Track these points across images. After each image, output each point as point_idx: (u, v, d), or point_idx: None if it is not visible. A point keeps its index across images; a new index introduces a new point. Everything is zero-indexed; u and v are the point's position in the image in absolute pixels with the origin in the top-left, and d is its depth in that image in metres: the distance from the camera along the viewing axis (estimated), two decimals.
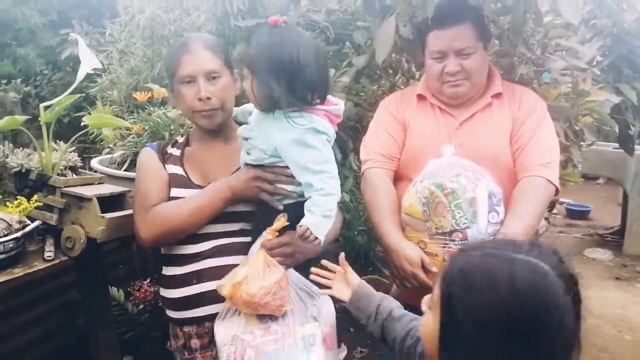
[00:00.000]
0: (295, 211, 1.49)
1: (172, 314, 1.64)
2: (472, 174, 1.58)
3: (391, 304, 1.35)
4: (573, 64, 2.07)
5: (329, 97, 1.51)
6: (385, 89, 2.73)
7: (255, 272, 1.45)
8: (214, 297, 1.53)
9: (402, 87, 2.51)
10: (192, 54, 1.56)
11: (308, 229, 1.41)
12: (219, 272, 1.53)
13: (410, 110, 1.84)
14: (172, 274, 1.61)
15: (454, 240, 1.56)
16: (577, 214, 6.27)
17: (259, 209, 1.57)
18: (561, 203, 6.23)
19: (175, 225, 1.53)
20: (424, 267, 1.60)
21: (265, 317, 1.48)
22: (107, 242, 1.69)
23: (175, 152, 1.66)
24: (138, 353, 2.38)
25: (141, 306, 2.40)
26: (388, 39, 1.86)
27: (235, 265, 1.50)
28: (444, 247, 1.58)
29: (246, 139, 1.53)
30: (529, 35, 2.09)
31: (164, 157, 1.64)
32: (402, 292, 1.74)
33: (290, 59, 1.39)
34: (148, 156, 1.64)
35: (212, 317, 1.55)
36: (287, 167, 1.50)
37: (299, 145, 1.44)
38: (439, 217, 1.56)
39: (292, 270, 1.53)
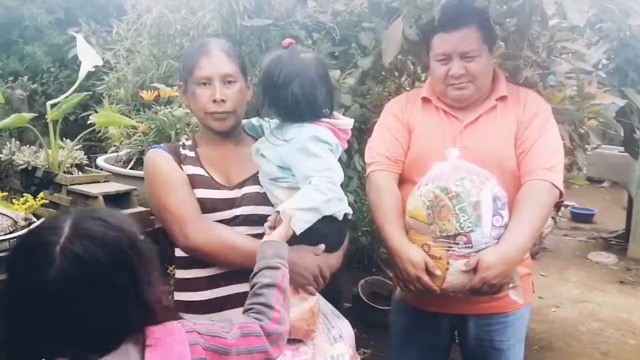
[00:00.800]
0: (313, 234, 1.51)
1: (191, 317, 1.53)
2: (476, 178, 1.58)
3: (262, 278, 1.29)
4: (578, 67, 2.07)
5: (337, 114, 1.58)
6: (391, 90, 2.74)
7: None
8: (239, 300, 1.48)
9: (407, 89, 2.52)
10: (210, 56, 1.58)
11: (278, 214, 1.43)
12: (246, 275, 1.50)
13: (415, 113, 1.84)
14: (195, 276, 1.59)
15: (458, 244, 1.56)
16: (582, 217, 6.25)
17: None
18: (566, 206, 6.21)
19: (226, 251, 1.53)
20: (427, 270, 1.60)
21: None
22: None
23: (189, 153, 1.65)
24: None
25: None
26: (395, 41, 1.87)
27: None
28: (448, 250, 1.58)
29: (257, 151, 1.58)
30: (535, 38, 2.09)
31: (179, 159, 1.62)
32: (406, 294, 1.74)
33: (311, 74, 1.52)
34: (166, 158, 1.61)
35: None
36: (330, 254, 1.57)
37: (302, 153, 1.49)
38: (443, 220, 1.56)
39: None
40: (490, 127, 1.75)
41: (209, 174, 1.60)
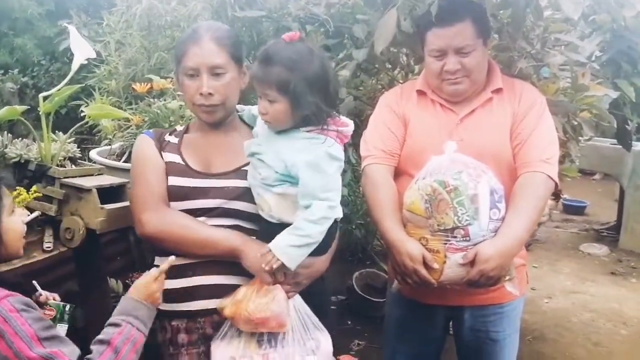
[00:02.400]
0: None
1: (161, 305, 1.54)
2: (473, 171, 1.58)
3: (100, 335, 1.25)
4: (572, 59, 2.07)
5: (341, 117, 1.53)
6: (384, 83, 2.74)
7: (254, 290, 1.48)
8: (208, 291, 1.53)
9: (401, 82, 2.51)
10: (199, 45, 1.53)
11: (270, 251, 1.41)
12: (216, 266, 1.54)
13: (410, 106, 1.84)
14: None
15: (455, 237, 1.56)
16: (574, 209, 6.30)
17: (261, 226, 1.56)
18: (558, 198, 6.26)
19: (179, 241, 1.52)
20: (425, 264, 1.60)
21: (265, 343, 1.49)
22: (105, 233, 1.70)
23: (173, 139, 1.64)
24: None
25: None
26: (388, 30, 1.86)
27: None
28: (446, 243, 1.58)
29: (253, 154, 1.51)
30: (529, 30, 2.10)
31: (161, 145, 1.62)
32: (404, 287, 1.75)
33: (318, 72, 1.43)
34: (146, 144, 1.62)
35: (204, 313, 1.54)
36: (314, 258, 1.51)
37: (312, 169, 1.42)
38: (441, 214, 1.56)
39: (297, 297, 1.54)
40: (486, 120, 1.75)
41: (185, 162, 1.58)
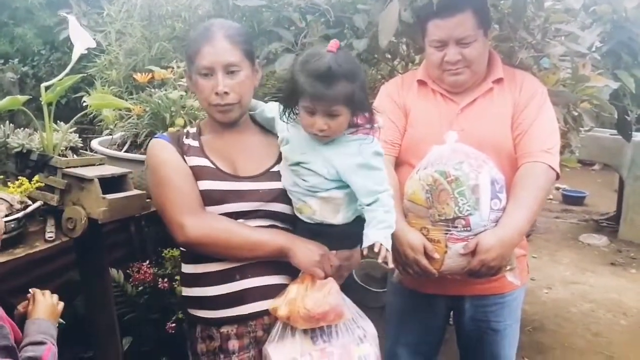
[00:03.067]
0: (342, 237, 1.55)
1: (206, 313, 1.54)
2: (474, 161, 1.59)
3: (24, 353, 1.30)
4: (573, 49, 2.07)
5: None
6: (384, 73, 2.73)
7: (305, 286, 1.49)
8: (258, 293, 1.51)
9: (401, 72, 2.51)
10: (213, 44, 1.50)
11: (382, 244, 1.43)
12: (261, 267, 1.52)
13: (411, 96, 1.84)
14: (205, 270, 1.53)
15: (456, 227, 1.57)
16: (573, 200, 6.31)
17: (299, 225, 1.57)
18: (557, 189, 6.27)
19: (226, 244, 1.49)
20: (426, 254, 1.61)
21: (318, 339, 1.51)
22: (106, 223, 1.70)
23: (193, 143, 1.58)
24: (137, 334, 2.40)
25: (140, 288, 2.41)
26: (391, 23, 1.86)
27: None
28: (447, 233, 1.59)
29: (298, 163, 1.50)
30: (530, 20, 2.09)
31: (182, 149, 1.56)
32: (405, 277, 1.76)
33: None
34: (167, 149, 1.55)
35: (255, 316, 1.52)
36: (352, 251, 1.57)
37: (365, 169, 1.45)
38: (442, 204, 1.57)
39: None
40: (487, 110, 1.75)
41: (215, 165, 1.54)
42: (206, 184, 1.51)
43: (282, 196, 1.55)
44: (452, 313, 1.98)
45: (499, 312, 1.84)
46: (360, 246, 1.49)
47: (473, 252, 1.56)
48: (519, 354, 2.02)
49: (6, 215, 1.49)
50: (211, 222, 1.49)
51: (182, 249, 1.61)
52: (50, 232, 1.61)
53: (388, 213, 1.46)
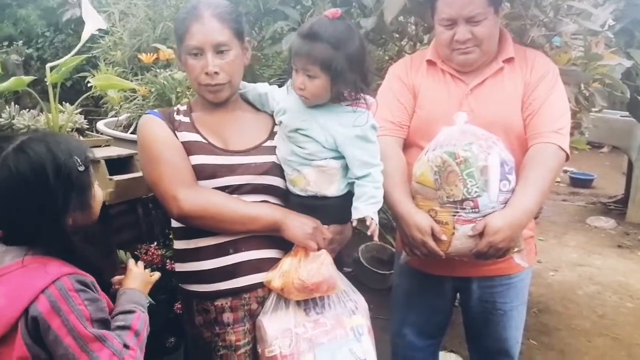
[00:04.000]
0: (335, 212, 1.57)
1: (201, 287, 1.55)
2: (484, 142, 1.56)
3: (116, 322, 1.31)
4: (586, 27, 2.03)
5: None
6: (392, 53, 2.70)
7: (299, 258, 1.51)
8: (251, 267, 1.52)
9: (409, 52, 2.48)
10: (202, 23, 1.49)
11: (372, 219, 1.49)
12: (254, 241, 1.53)
13: (420, 77, 1.81)
14: (200, 245, 1.54)
15: (464, 209, 1.55)
16: (581, 182, 6.27)
17: (292, 199, 1.59)
18: (565, 171, 6.23)
19: (220, 218, 1.49)
20: (433, 235, 1.59)
21: (312, 311, 1.54)
22: (113, 205, 1.69)
23: (184, 119, 1.58)
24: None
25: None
26: None
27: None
28: (455, 215, 1.57)
29: (296, 130, 1.51)
30: None
31: (174, 125, 1.56)
32: (412, 259, 1.75)
33: (359, 50, 1.46)
34: (159, 125, 1.54)
35: (249, 288, 1.54)
36: (344, 225, 1.60)
37: (362, 141, 1.49)
38: (451, 185, 1.55)
39: None
40: (497, 90, 1.72)
41: (206, 139, 1.54)
42: (198, 159, 1.51)
43: (274, 169, 1.57)
44: (458, 294, 1.98)
45: (505, 294, 1.84)
46: (346, 222, 1.56)
47: (481, 234, 1.55)
48: (524, 335, 2.01)
49: None
50: (205, 195, 1.49)
51: (173, 225, 1.61)
52: None
53: (378, 189, 1.52)
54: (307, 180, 1.53)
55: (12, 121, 1.69)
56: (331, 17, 1.44)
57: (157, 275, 1.54)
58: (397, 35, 2.60)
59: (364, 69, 1.48)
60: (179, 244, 1.60)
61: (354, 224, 1.52)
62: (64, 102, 1.86)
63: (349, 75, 1.44)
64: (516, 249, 1.62)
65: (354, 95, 1.49)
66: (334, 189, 1.54)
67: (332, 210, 1.57)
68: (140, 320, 1.32)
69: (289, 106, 1.55)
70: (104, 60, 2.75)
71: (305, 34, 1.45)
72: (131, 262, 1.49)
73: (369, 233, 1.50)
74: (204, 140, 1.54)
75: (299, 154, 1.52)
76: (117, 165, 1.68)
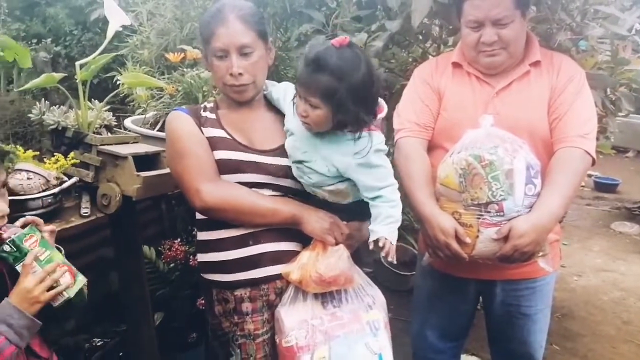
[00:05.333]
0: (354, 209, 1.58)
1: (221, 277, 1.59)
2: (510, 146, 1.55)
3: None
4: (613, 31, 2.01)
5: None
6: (416, 55, 2.69)
7: (317, 252, 1.54)
8: (270, 258, 1.56)
9: (433, 55, 2.47)
10: (226, 26, 1.53)
11: (387, 239, 1.48)
12: (274, 234, 1.57)
13: (445, 79, 1.81)
14: (222, 236, 1.58)
15: (489, 212, 1.55)
16: (605, 187, 6.18)
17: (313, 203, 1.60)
18: (589, 176, 6.14)
19: (240, 210, 1.53)
20: (457, 238, 1.59)
21: (329, 304, 1.57)
22: (139, 201, 1.73)
23: (210, 115, 1.62)
24: (169, 309, 2.44)
25: (172, 265, 2.45)
26: (425, 2, 1.83)
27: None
28: (479, 218, 1.56)
29: (300, 162, 1.53)
30: (569, 1, 2.03)
31: (200, 121, 1.60)
32: (435, 260, 1.75)
33: (365, 81, 1.42)
34: (186, 121, 1.59)
35: (268, 279, 1.57)
36: (363, 222, 1.60)
37: (364, 167, 1.48)
38: (476, 188, 1.54)
39: None
40: (523, 94, 1.71)
41: (231, 136, 1.58)
42: (222, 154, 1.56)
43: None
44: (481, 297, 1.97)
45: (530, 297, 1.82)
46: (365, 219, 1.56)
47: (505, 237, 1.54)
48: (547, 341, 1.99)
49: (42, 191, 1.53)
50: (227, 188, 1.54)
51: (197, 217, 1.65)
52: (85, 208, 1.65)
53: (394, 208, 1.50)
54: (323, 196, 1.57)
55: (42, 117, 1.73)
56: (338, 46, 1.42)
57: (62, 284, 1.23)
58: (421, 38, 2.59)
59: (369, 100, 1.46)
60: (202, 235, 1.65)
61: (370, 246, 1.51)
62: (92, 100, 1.89)
63: (351, 107, 1.41)
64: (541, 253, 1.60)
65: (355, 128, 1.46)
66: (350, 199, 1.58)
67: (351, 207, 1.59)
68: None
69: (294, 129, 1.55)
70: (131, 59, 2.79)
71: (309, 62, 1.43)
72: (26, 268, 1.19)
73: (382, 254, 1.49)
74: (228, 137, 1.58)
75: (306, 182, 1.55)
76: (144, 161, 1.71)
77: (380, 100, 1.53)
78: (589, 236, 4.87)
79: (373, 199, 1.50)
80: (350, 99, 1.41)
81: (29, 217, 1.26)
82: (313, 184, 1.54)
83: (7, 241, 1.20)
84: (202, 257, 1.65)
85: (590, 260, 4.34)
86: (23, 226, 1.26)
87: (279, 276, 1.57)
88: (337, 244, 1.56)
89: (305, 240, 1.59)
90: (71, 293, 1.25)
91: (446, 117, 1.78)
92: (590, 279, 3.99)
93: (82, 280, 1.29)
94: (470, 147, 1.57)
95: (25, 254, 1.20)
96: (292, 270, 1.53)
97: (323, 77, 1.40)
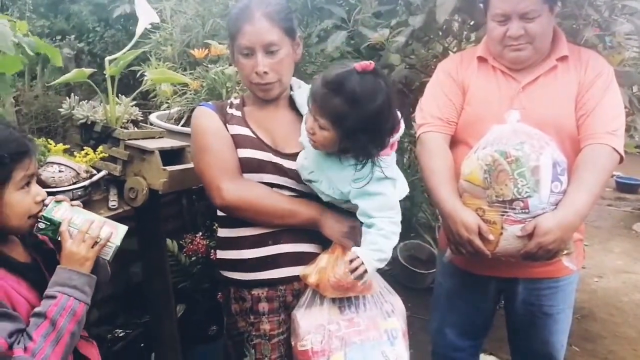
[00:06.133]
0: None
1: (239, 275, 1.59)
2: (536, 142, 1.54)
3: (38, 307, 1.19)
4: None
5: None
6: (437, 52, 2.68)
7: (336, 256, 1.52)
8: (289, 259, 1.55)
9: (454, 51, 2.46)
10: (252, 23, 1.51)
11: (359, 257, 1.43)
12: (294, 234, 1.56)
13: (470, 73, 1.80)
14: (240, 235, 1.58)
15: (514, 209, 1.54)
16: (627, 187, 6.11)
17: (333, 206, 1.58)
18: (612, 175, 6.05)
19: (260, 210, 1.53)
20: (480, 235, 1.58)
21: (346, 309, 1.55)
22: (161, 195, 1.75)
23: (236, 112, 1.61)
24: (190, 302, 2.47)
25: (193, 258, 2.47)
26: None
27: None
28: (503, 215, 1.55)
29: (310, 181, 1.52)
30: None
31: (225, 118, 1.59)
32: (456, 257, 1.74)
33: (380, 113, 1.36)
34: (211, 117, 1.58)
35: (286, 280, 1.56)
36: None
37: (363, 195, 1.45)
38: (501, 185, 1.53)
39: None
40: (550, 89, 1.70)
41: (256, 134, 1.57)
42: (246, 152, 1.55)
43: None
44: (502, 296, 1.96)
45: (552, 297, 1.81)
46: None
47: (530, 235, 1.53)
48: (567, 342, 1.98)
49: (73, 183, 1.56)
50: (248, 187, 1.53)
51: (219, 214, 1.65)
52: (113, 201, 1.68)
53: (384, 237, 1.46)
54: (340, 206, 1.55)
55: (72, 112, 1.76)
56: (361, 70, 1.35)
57: (104, 236, 1.26)
58: (440, 33, 2.58)
59: (380, 132, 1.40)
60: (222, 232, 1.65)
61: (344, 266, 1.46)
62: (119, 95, 1.92)
63: (359, 137, 1.37)
64: (565, 252, 1.59)
65: (359, 157, 1.42)
66: None
67: None
68: (58, 307, 1.17)
69: (305, 143, 1.51)
70: (155, 55, 2.82)
71: (326, 82, 1.37)
72: (64, 234, 1.24)
73: (351, 275, 1.44)
74: (253, 135, 1.57)
75: (321, 198, 1.53)
76: (170, 156, 1.73)
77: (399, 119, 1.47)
78: (610, 237, 4.82)
79: (368, 225, 1.47)
80: (360, 128, 1.36)
81: (50, 197, 1.29)
82: (326, 202, 1.54)
83: (38, 219, 1.24)
84: (221, 254, 1.66)
85: (611, 261, 4.30)
86: None
87: (297, 277, 1.56)
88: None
89: (325, 242, 1.57)
90: (117, 241, 1.29)
91: (470, 112, 1.77)
92: (611, 280, 3.95)
93: (122, 228, 1.32)
94: (495, 142, 1.56)
95: (59, 224, 1.24)
96: (310, 273, 1.52)
97: (336, 100, 1.35)
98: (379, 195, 1.46)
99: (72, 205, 1.30)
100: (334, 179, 1.47)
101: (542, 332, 1.86)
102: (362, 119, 1.35)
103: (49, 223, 1.25)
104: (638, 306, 3.55)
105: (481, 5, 1.84)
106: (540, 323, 1.84)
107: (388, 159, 1.48)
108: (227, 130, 1.57)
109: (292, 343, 1.55)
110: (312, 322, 1.52)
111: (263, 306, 1.57)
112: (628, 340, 3.14)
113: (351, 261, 1.44)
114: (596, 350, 3.03)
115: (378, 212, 1.46)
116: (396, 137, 1.47)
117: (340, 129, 1.37)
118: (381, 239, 1.45)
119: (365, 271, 1.43)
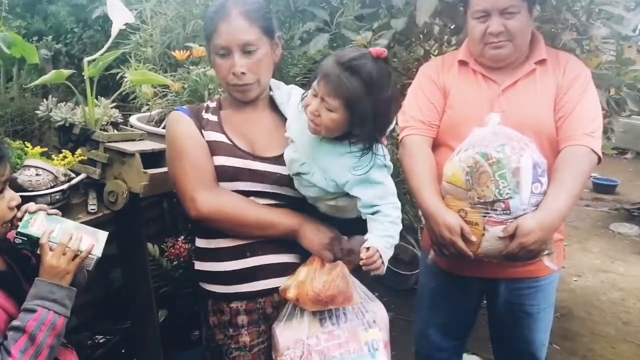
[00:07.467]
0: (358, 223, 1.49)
1: (217, 288, 1.54)
2: (517, 144, 1.56)
3: (15, 321, 1.17)
4: (618, 31, 2.02)
5: None
6: (418, 55, 2.70)
7: (315, 269, 1.49)
8: (268, 271, 1.51)
9: (435, 54, 2.48)
10: (229, 22, 1.46)
11: (377, 251, 1.40)
12: (272, 246, 1.52)
13: (451, 77, 1.81)
14: (218, 246, 1.53)
15: (495, 210, 1.55)
16: (604, 188, 6.19)
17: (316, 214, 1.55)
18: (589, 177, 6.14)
19: (237, 222, 1.48)
20: (463, 236, 1.59)
21: (327, 321, 1.51)
22: (141, 198, 1.72)
23: (212, 117, 1.55)
24: (172, 307, 2.44)
25: (175, 262, 2.45)
26: (430, 0, 1.83)
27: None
28: (485, 216, 1.57)
29: (298, 174, 1.47)
30: (574, 0, 2.04)
31: (201, 123, 1.53)
32: (440, 259, 1.75)
33: (390, 100, 1.37)
34: (186, 123, 1.52)
35: (265, 293, 1.53)
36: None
37: (364, 183, 1.41)
38: (482, 186, 1.55)
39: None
40: (529, 92, 1.72)
41: (232, 141, 1.52)
42: (221, 160, 1.49)
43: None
44: (485, 296, 1.97)
45: (533, 296, 1.83)
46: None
47: (512, 236, 1.55)
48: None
49: (51, 187, 1.53)
50: (223, 198, 1.48)
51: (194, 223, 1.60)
52: (92, 205, 1.65)
53: (392, 224, 1.43)
54: (325, 210, 1.53)
55: (50, 114, 1.73)
56: (375, 56, 1.34)
57: (85, 249, 1.25)
58: (422, 37, 2.59)
59: (387, 119, 1.40)
60: (199, 242, 1.60)
61: (362, 253, 1.40)
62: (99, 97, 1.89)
63: (369, 122, 1.35)
64: (547, 252, 1.61)
65: (365, 145, 1.40)
66: (352, 215, 1.51)
67: (354, 221, 1.52)
68: (38, 321, 1.15)
69: (295, 136, 1.47)
70: (135, 57, 2.79)
71: (342, 63, 1.33)
72: (44, 247, 1.22)
73: (363, 267, 1.40)
74: (229, 142, 1.52)
75: (306, 195, 1.50)
76: (150, 158, 1.72)
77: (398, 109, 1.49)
78: (588, 237, 4.89)
79: (372, 213, 1.43)
80: (372, 113, 1.34)
81: (24, 206, 1.26)
82: (313, 198, 1.50)
83: (15, 235, 1.22)
84: (198, 266, 1.60)
85: (589, 261, 4.36)
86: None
87: (276, 289, 1.52)
88: (336, 259, 1.51)
89: (305, 252, 1.54)
90: (98, 253, 1.27)
91: (452, 114, 1.78)
92: (590, 279, 4.01)
93: (103, 236, 1.30)
94: (477, 145, 1.58)
95: (38, 238, 1.22)
96: (289, 287, 1.48)
97: (354, 81, 1.31)
98: (381, 184, 1.43)
99: (48, 214, 1.27)
100: (329, 169, 1.42)
101: (524, 331, 1.88)
102: (376, 104, 1.34)
103: (26, 238, 1.22)
104: (616, 305, 3.61)
105: (461, 8, 1.86)
106: (522, 322, 1.86)
107: (384, 149, 1.46)
108: (203, 136, 1.52)
109: (273, 356, 1.52)
110: (291, 337, 1.49)
111: (242, 319, 1.53)
112: (606, 338, 3.19)
113: (370, 257, 1.38)
114: (575, 348, 3.08)
115: (381, 200, 1.42)
116: (390, 127, 1.47)
117: (352, 112, 1.34)
118: (390, 225, 1.42)
119: (382, 261, 1.40)
